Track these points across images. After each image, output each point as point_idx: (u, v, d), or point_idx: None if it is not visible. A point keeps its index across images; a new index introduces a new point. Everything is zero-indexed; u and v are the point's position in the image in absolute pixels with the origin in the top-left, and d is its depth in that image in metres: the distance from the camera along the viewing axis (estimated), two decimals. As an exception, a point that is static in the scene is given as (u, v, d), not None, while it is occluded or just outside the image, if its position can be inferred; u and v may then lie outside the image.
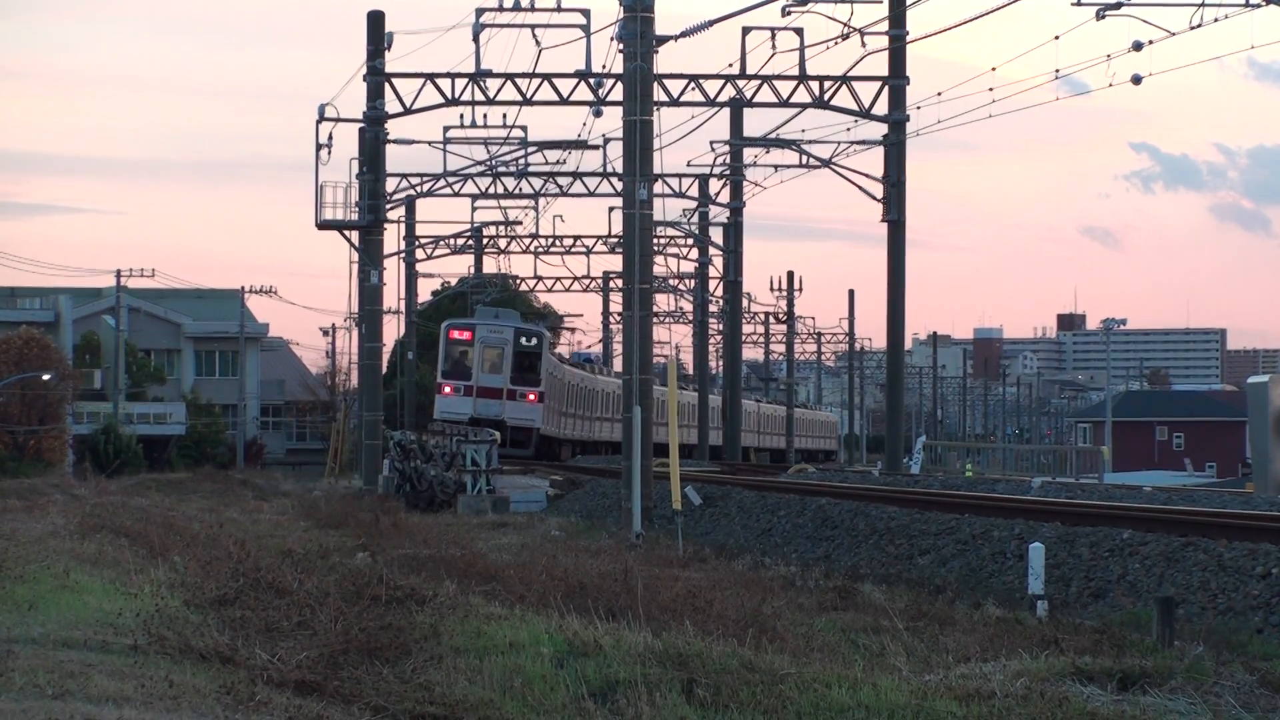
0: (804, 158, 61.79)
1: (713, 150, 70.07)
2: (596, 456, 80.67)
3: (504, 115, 60.64)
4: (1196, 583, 21.82)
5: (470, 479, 50.62)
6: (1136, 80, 42.09)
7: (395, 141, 60.18)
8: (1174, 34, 40.68)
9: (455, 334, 66.83)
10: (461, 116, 60.41)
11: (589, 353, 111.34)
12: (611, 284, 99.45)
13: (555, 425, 74.17)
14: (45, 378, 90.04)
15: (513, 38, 54.89)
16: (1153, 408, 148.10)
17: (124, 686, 12.51)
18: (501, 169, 68.39)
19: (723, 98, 56.10)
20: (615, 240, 77.87)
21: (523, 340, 66.20)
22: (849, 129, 57.95)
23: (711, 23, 43.09)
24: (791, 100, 55.62)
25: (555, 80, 55.06)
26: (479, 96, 55.89)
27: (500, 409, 64.38)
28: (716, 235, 79.68)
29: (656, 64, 41.47)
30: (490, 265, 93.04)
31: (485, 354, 65.09)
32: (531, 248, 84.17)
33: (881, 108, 55.72)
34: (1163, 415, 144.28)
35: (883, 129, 56.63)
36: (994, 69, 47.41)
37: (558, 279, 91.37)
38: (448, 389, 65.38)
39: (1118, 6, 41.68)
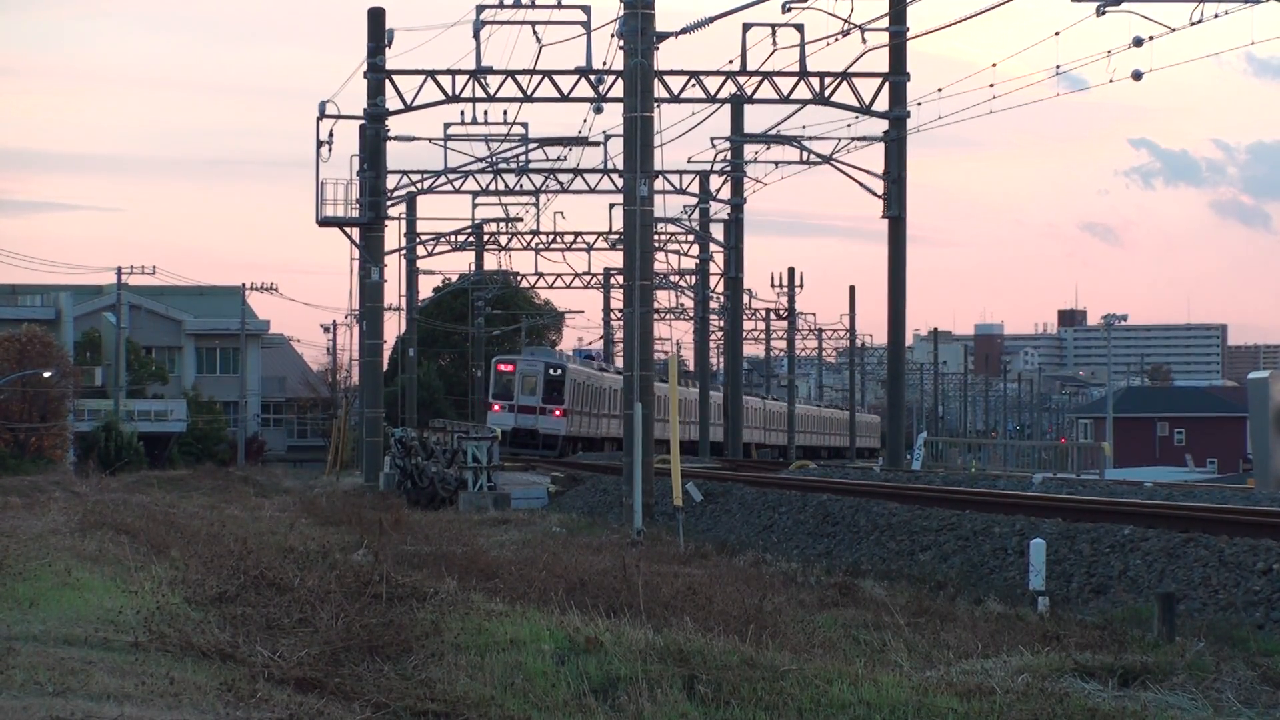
0: (805, 154, 61.83)
1: (713, 146, 70.13)
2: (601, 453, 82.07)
3: (504, 112, 60.65)
4: (1197, 578, 21.83)
5: (471, 476, 50.62)
6: (1137, 76, 42.01)
7: (396, 138, 60.21)
8: (1174, 30, 40.64)
9: (501, 367, 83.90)
10: (462, 113, 60.43)
11: (590, 349, 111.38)
12: (612, 280, 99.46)
13: (581, 428, 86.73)
14: (46, 375, 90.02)
15: (513, 34, 54.88)
16: (1154, 404, 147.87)
17: (125, 684, 12.51)
18: (502, 166, 68.39)
19: (723, 94, 56.15)
20: (616, 237, 77.91)
21: (550, 371, 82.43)
22: (849, 125, 58.02)
23: (712, 19, 43.05)
24: (792, 96, 55.66)
25: (556, 77, 55.09)
26: (479, 93, 55.92)
27: (535, 421, 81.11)
28: (717, 232, 79.67)
29: (657, 60, 41.48)
30: (491, 262, 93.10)
31: (524, 381, 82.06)
32: (532, 244, 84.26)
33: (882, 104, 55.75)
34: (1164, 411, 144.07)
35: (883, 125, 56.64)
36: (994, 65, 47.40)
37: (558, 275, 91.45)
38: (496, 407, 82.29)
39: (1118, 2, 41.61)
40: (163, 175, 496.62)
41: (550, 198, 75.21)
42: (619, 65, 44.76)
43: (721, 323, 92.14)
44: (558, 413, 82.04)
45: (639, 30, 40.38)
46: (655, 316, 56.02)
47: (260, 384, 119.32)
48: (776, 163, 64.96)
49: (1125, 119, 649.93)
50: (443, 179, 68.22)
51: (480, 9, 53.36)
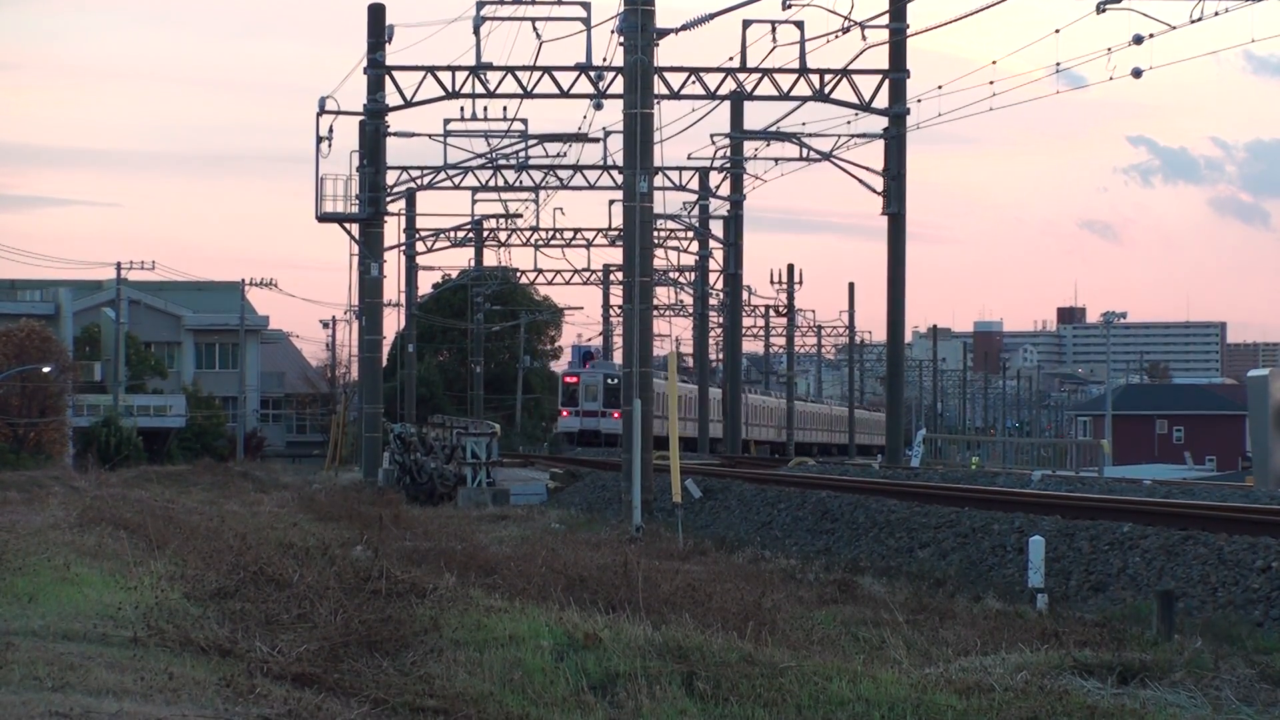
0: (804, 151, 61.85)
1: (713, 143, 70.13)
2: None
3: (504, 108, 60.61)
4: (1196, 576, 21.82)
5: (470, 472, 50.62)
6: (1137, 74, 41.98)
7: (395, 134, 60.21)
8: (1174, 27, 40.61)
9: (568, 379, 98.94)
10: (462, 109, 60.39)
11: (589, 346, 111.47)
12: (612, 277, 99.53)
13: None
14: (45, 370, 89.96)
15: (513, 31, 54.83)
16: (1153, 401, 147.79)
17: (123, 679, 12.51)
18: (502, 162, 68.41)
19: (723, 91, 56.14)
20: (615, 233, 77.93)
21: (608, 380, 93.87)
22: (849, 122, 58.07)
23: (712, 16, 43.03)
24: (792, 93, 55.69)
25: (556, 73, 55.07)
26: (479, 89, 55.91)
27: (597, 423, 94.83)
28: (717, 228, 79.70)
29: (657, 57, 41.46)
30: (490, 258, 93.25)
31: (588, 390, 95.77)
32: (532, 240, 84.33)
33: (882, 101, 55.77)
34: (1163, 409, 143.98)
35: (883, 122, 56.68)
36: (994, 62, 47.44)
37: (558, 272, 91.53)
38: (565, 413, 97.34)
39: (1118, -1, 41.57)
40: (162, 170, 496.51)
41: (550, 194, 75.34)
42: (619, 62, 44.77)
43: (721, 319, 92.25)
44: (616, 415, 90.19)
45: (639, 27, 40.36)
46: (655, 313, 56.05)
47: (259, 379, 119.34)
48: (776, 159, 65.09)
49: (1124, 116, 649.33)
50: (442, 175, 68.24)
51: (480, 5, 53.33)
